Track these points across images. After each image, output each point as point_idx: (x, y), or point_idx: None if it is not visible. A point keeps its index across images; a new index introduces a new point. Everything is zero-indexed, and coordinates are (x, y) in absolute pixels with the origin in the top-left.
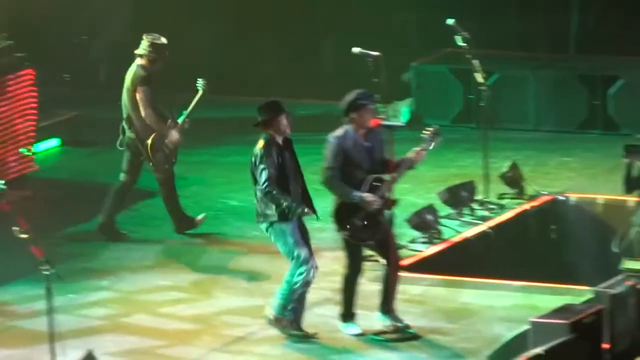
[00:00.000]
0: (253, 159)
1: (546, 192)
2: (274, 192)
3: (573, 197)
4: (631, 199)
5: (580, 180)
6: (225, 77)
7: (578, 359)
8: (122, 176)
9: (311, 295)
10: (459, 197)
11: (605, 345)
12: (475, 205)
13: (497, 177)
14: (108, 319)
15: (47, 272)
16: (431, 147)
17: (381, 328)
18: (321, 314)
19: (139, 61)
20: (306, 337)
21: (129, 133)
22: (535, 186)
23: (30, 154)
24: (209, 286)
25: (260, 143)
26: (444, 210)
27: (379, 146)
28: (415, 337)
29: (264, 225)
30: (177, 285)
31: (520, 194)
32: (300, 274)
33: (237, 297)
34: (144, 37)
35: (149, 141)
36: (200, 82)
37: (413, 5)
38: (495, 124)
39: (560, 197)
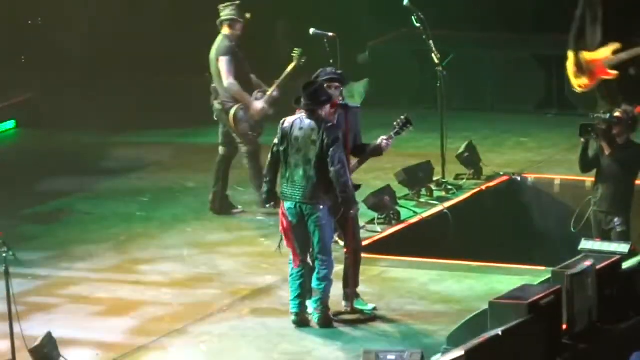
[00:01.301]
0: (325, 137)
1: (503, 173)
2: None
3: (530, 177)
4: (588, 179)
5: (536, 161)
6: (177, 59)
7: (536, 340)
8: (220, 149)
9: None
10: (416, 178)
11: (564, 326)
12: (432, 186)
13: (454, 157)
14: (67, 298)
15: (5, 254)
16: (402, 135)
17: (339, 309)
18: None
19: (223, 32)
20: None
21: (215, 104)
22: (492, 167)
23: None
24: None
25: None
26: (401, 191)
27: (345, 126)
28: (373, 318)
29: (318, 207)
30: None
31: (477, 175)
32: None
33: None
34: (219, 7)
35: (232, 111)
36: (296, 52)
37: None
38: (452, 105)
39: (517, 178)
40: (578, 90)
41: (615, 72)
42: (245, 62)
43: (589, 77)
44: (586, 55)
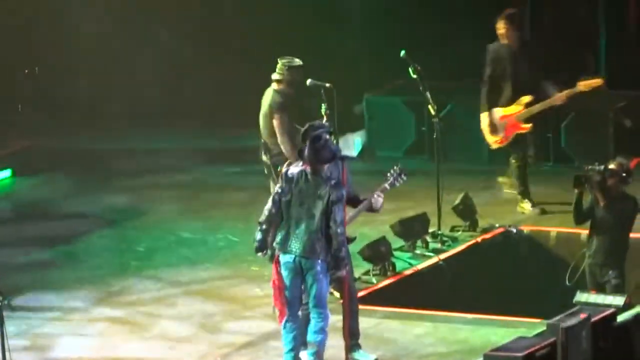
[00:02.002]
0: (332, 193)
1: (499, 225)
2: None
3: (525, 229)
4: (584, 231)
5: (532, 213)
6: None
7: None
8: None
9: None
10: (412, 229)
11: None
12: (428, 238)
13: (450, 209)
14: (62, 346)
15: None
16: (395, 186)
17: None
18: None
19: (274, 86)
20: None
21: (264, 158)
22: (488, 219)
23: None
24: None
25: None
26: (397, 242)
27: (342, 178)
28: None
29: (317, 262)
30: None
31: (472, 227)
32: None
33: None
34: (278, 60)
35: (283, 168)
36: (323, 107)
37: (365, 36)
38: (449, 156)
39: (513, 230)
40: (494, 147)
41: (528, 125)
42: (296, 117)
43: (504, 133)
44: (499, 112)
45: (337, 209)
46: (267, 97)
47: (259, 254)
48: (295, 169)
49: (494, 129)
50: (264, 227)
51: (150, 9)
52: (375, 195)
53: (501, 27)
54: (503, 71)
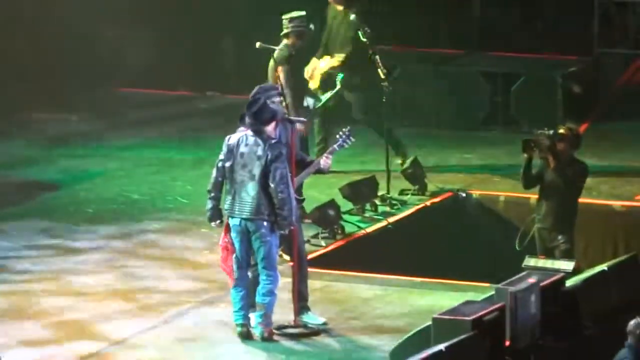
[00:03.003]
0: (269, 153)
1: (447, 189)
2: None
3: (474, 193)
4: (533, 196)
5: (481, 177)
6: (131, 70)
7: (479, 356)
8: None
9: None
10: (361, 192)
11: (507, 342)
12: (376, 201)
13: (399, 173)
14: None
15: None
16: (344, 148)
17: (283, 323)
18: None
19: (284, 41)
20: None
21: None
22: (436, 182)
23: None
24: None
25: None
26: (346, 205)
27: (290, 141)
28: (316, 332)
29: (262, 224)
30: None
31: (421, 191)
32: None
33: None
34: (282, 17)
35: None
36: (339, 77)
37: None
38: (397, 120)
39: (462, 194)
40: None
41: None
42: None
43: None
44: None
45: (275, 167)
46: (276, 52)
47: (212, 223)
48: (236, 135)
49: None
50: (212, 194)
51: None
52: (324, 157)
53: None
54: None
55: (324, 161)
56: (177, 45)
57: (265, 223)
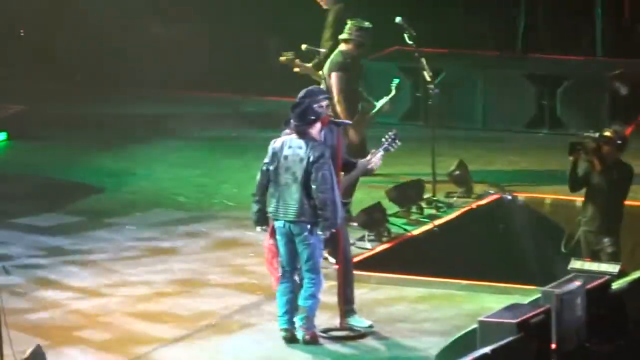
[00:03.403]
0: (310, 155)
1: (493, 192)
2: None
3: (520, 196)
4: (579, 199)
5: (527, 180)
6: (176, 73)
7: (525, 359)
8: None
9: None
10: (407, 195)
11: (553, 345)
12: (423, 204)
13: (445, 175)
14: (57, 310)
15: None
16: (390, 151)
17: (329, 325)
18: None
19: (342, 46)
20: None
21: None
22: (482, 185)
23: None
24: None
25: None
26: (392, 208)
27: (333, 144)
28: (362, 335)
29: (305, 227)
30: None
31: (467, 193)
32: (318, 282)
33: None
34: (348, 21)
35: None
36: (394, 82)
37: (362, 3)
38: (443, 123)
39: (508, 197)
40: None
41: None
42: (358, 79)
43: None
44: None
45: (317, 169)
46: (331, 57)
47: (258, 227)
48: (281, 138)
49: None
50: (256, 198)
51: None
52: (374, 159)
53: None
54: None
55: (375, 162)
56: (223, 46)
57: (308, 226)
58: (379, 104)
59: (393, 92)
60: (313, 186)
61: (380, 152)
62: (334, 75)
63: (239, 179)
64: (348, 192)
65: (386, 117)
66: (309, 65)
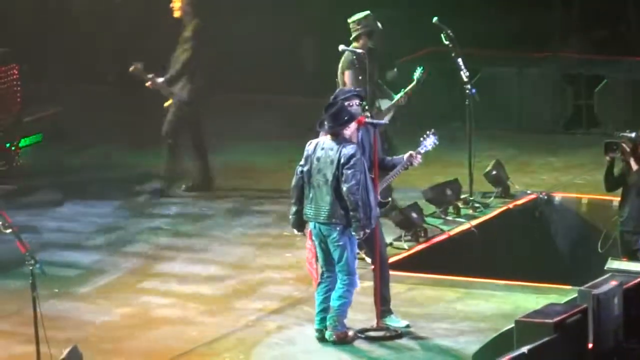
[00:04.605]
0: (341, 156)
1: (530, 192)
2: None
3: (557, 196)
4: (615, 199)
5: (563, 179)
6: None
7: (562, 359)
8: None
9: None
10: (444, 195)
11: (590, 345)
12: (459, 204)
13: (482, 175)
14: (94, 312)
15: (32, 267)
16: (428, 150)
17: (366, 326)
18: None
19: (354, 44)
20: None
21: None
22: (519, 185)
23: (14, 148)
24: None
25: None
26: (429, 208)
27: (370, 144)
28: (399, 335)
29: (335, 228)
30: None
31: (504, 193)
32: (351, 283)
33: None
34: (349, 22)
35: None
36: (418, 71)
37: (397, 3)
38: (480, 123)
39: (545, 196)
40: None
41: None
42: (375, 71)
43: None
44: None
45: (348, 169)
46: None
47: (295, 231)
48: (315, 140)
49: None
50: (293, 200)
51: None
52: (414, 159)
53: None
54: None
55: (415, 163)
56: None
57: (338, 227)
58: (396, 97)
59: (415, 82)
60: (343, 188)
61: (421, 153)
62: (346, 73)
63: (274, 179)
64: (386, 192)
65: (423, 116)
66: (160, 80)
